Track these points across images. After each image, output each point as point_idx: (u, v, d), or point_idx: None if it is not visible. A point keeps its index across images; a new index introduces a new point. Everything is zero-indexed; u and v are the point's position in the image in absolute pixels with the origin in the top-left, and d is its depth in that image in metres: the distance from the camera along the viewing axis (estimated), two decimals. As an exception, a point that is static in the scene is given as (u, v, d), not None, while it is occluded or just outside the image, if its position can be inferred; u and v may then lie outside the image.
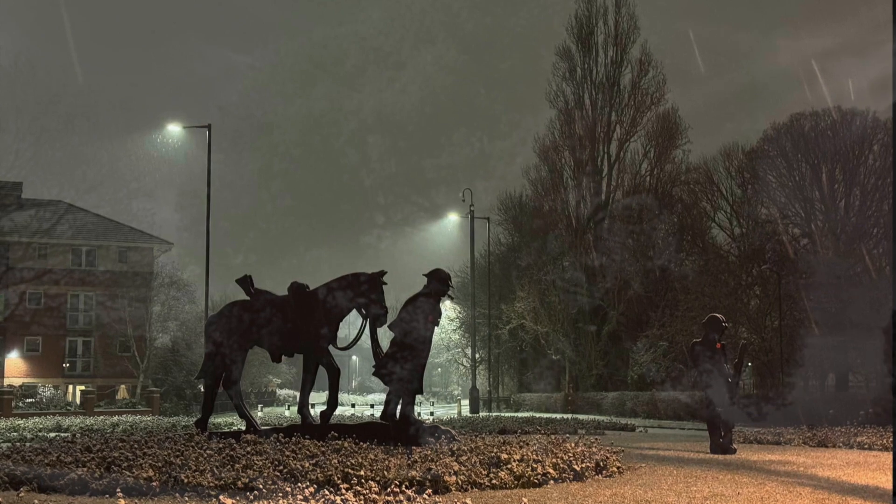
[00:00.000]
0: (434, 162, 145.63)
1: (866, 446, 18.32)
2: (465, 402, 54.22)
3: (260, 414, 38.57)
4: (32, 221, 60.14)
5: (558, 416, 37.37)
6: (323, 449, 12.02)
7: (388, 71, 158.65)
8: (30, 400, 49.66)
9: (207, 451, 11.50)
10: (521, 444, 13.13)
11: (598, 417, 35.86)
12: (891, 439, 18.73)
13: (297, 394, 17.89)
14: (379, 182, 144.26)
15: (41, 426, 27.21)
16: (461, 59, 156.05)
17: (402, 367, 14.72)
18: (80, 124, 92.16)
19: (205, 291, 42.59)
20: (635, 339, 51.59)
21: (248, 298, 15.94)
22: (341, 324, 15.75)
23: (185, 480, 9.37)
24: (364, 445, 12.56)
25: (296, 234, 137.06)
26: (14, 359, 60.76)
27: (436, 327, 15.22)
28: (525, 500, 9.27)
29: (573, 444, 13.11)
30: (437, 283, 15.12)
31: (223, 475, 9.59)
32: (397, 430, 14.41)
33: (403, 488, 9.31)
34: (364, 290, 15.21)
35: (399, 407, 14.90)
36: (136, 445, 12.48)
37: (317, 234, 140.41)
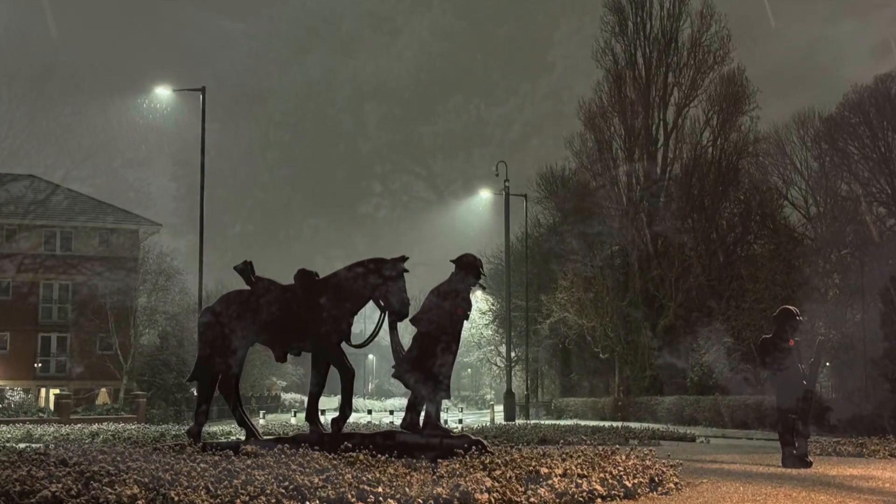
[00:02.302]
0: (430, 129, 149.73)
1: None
2: (499, 407, 54.17)
3: (262, 421, 38.71)
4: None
5: (607, 423, 37.29)
6: (335, 462, 12.05)
7: (383, 37, 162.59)
8: (-3, 405, 50.00)
9: (201, 465, 11.53)
10: (564, 456, 13.15)
11: (652, 425, 35.81)
12: None
13: (305, 398, 17.93)
14: (376, 150, 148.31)
15: (9, 435, 27.35)
16: (457, 24, 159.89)
17: (427, 367, 14.72)
18: (54, 87, 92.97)
19: (199, 268, 42.75)
20: (696, 335, 51.40)
21: (248, 288, 15.94)
22: (356, 318, 15.69)
23: (176, 498, 9.40)
24: (382, 458, 12.59)
25: (293, 203, 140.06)
26: (-22, 358, 61.04)
27: (465, 321, 15.20)
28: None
29: (624, 457, 13.11)
30: (466, 271, 15.07)
31: (219, 492, 9.62)
32: (420, 440, 14.42)
33: (427, 508, 9.34)
34: (382, 279, 15.11)
35: (423, 413, 14.92)
36: (118, 458, 12.52)
37: (315, 203, 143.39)
